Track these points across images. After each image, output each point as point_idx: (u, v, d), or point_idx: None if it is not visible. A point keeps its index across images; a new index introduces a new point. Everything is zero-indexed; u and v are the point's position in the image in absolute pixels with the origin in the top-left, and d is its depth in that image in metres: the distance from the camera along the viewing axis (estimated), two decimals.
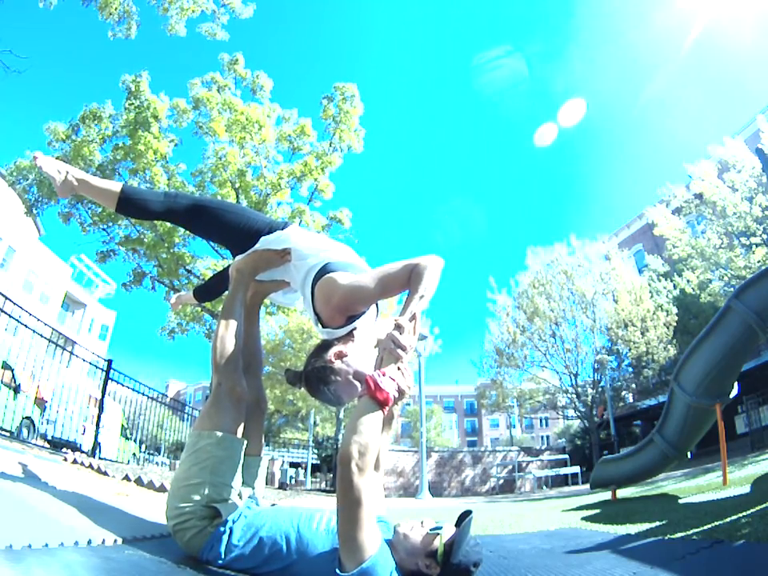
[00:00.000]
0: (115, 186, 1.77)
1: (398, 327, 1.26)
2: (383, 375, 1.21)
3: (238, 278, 1.70)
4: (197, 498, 1.33)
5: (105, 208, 9.04)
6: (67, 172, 1.76)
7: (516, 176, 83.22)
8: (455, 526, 1.29)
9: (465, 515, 1.29)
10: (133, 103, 8.84)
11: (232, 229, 1.71)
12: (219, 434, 1.41)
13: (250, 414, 1.58)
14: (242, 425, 1.51)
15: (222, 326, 1.59)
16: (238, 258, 1.75)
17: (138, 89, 8.82)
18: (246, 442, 1.50)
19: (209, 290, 2.26)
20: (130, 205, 1.75)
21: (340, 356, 1.45)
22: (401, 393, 1.24)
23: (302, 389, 1.55)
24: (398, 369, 1.25)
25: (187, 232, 9.58)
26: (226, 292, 1.80)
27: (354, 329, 1.52)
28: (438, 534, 1.23)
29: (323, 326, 1.53)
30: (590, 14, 55.83)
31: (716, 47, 43.96)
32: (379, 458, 1.58)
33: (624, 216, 31.99)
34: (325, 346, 1.49)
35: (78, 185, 1.77)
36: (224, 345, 1.55)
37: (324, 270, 1.51)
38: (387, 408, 1.21)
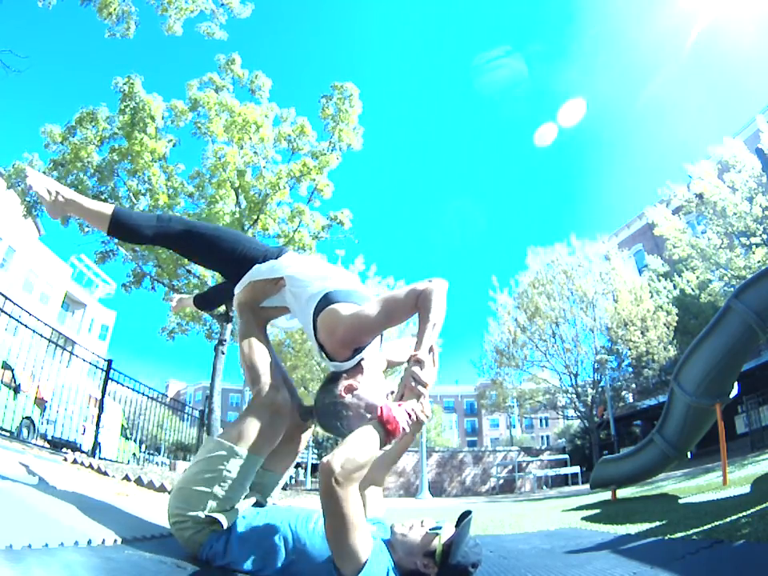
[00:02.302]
0: (107, 208, 1.73)
1: (418, 362, 1.22)
2: (399, 406, 1.20)
3: (241, 309, 1.68)
4: (200, 505, 1.31)
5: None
6: (57, 192, 1.71)
7: (516, 176, 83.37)
8: (455, 526, 1.28)
9: (464, 515, 1.29)
10: (128, 105, 8.81)
11: (226, 256, 1.68)
12: (240, 450, 1.37)
13: (288, 435, 1.54)
14: (272, 439, 1.45)
15: (247, 346, 1.55)
16: (237, 291, 1.71)
17: (131, 90, 8.80)
18: (261, 460, 1.44)
19: (208, 300, 2.27)
20: (122, 228, 1.72)
21: (350, 390, 1.40)
22: (418, 424, 1.24)
23: (315, 424, 1.52)
24: (419, 402, 1.23)
25: None
26: (229, 304, 1.77)
27: (362, 359, 1.48)
28: (437, 533, 1.23)
29: (329, 359, 1.48)
30: (591, 14, 55.89)
31: (716, 47, 44.03)
32: (381, 475, 1.61)
33: (624, 216, 32.02)
34: (333, 379, 1.44)
35: (68, 206, 1.73)
36: (255, 360, 1.52)
37: (325, 301, 1.45)
38: (393, 440, 1.20)
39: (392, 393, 1.39)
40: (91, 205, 1.77)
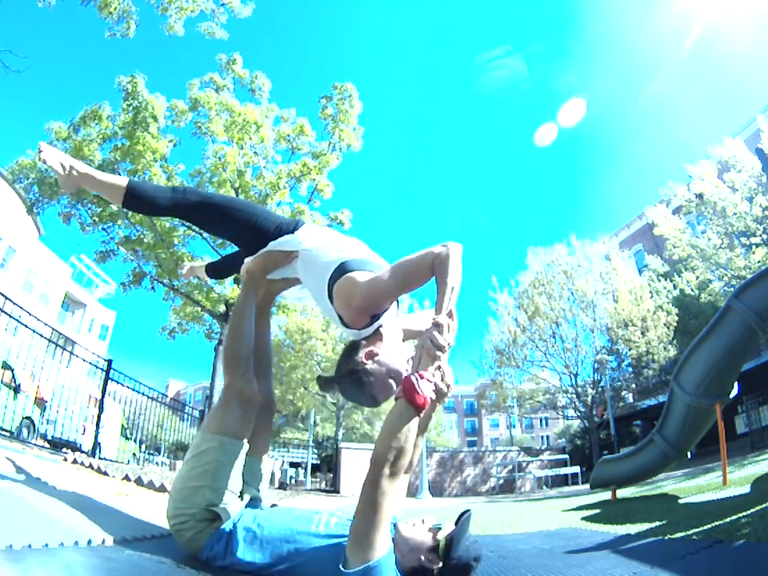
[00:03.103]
0: (121, 180, 1.72)
1: (437, 326, 1.21)
2: (421, 378, 1.18)
3: (248, 279, 1.68)
4: (198, 500, 1.33)
5: (105, 208, 9.04)
6: (71, 166, 1.70)
7: (516, 176, 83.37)
8: (455, 524, 1.29)
9: (463, 514, 1.30)
10: (131, 104, 8.81)
11: (241, 227, 1.68)
12: (223, 437, 1.40)
13: (259, 416, 1.55)
14: (249, 424, 1.49)
15: (233, 327, 1.57)
16: (248, 260, 1.71)
17: (134, 89, 8.79)
18: (247, 445, 1.47)
19: (221, 268, 2.24)
20: (138, 200, 1.71)
21: (371, 356, 1.39)
22: (440, 394, 1.23)
23: (337, 394, 1.52)
24: (438, 368, 1.22)
25: (187, 231, 9.59)
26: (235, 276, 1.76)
27: (380, 326, 1.48)
28: (440, 529, 1.25)
29: (347, 327, 1.47)
30: (591, 14, 55.90)
31: (716, 47, 44.00)
32: (413, 460, 1.58)
33: (624, 216, 32.01)
34: (353, 347, 1.44)
35: (81, 179, 1.72)
36: (235, 345, 1.54)
37: (341, 270, 1.44)
38: (424, 411, 1.19)
39: (412, 359, 1.36)
40: (105, 177, 1.76)
